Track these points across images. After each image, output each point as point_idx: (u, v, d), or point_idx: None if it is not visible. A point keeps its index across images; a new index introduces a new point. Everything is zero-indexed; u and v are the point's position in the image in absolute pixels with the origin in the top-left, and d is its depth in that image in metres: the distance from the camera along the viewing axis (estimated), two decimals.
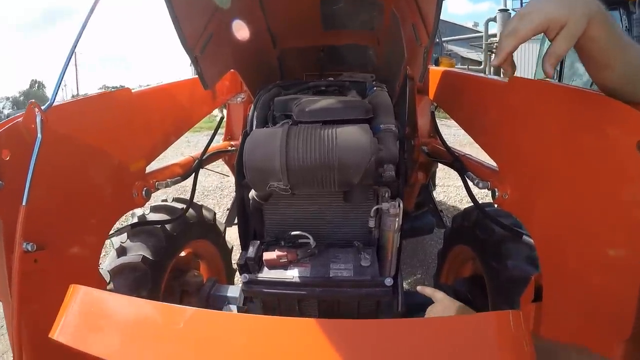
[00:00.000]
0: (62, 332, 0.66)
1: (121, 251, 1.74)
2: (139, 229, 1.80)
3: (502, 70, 0.83)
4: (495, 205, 2.07)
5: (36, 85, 59.08)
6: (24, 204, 0.99)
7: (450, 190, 5.80)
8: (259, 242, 1.39)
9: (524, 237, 1.25)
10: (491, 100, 1.39)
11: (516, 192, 1.21)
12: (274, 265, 1.32)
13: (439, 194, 5.43)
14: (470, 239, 1.85)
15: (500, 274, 1.55)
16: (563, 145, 1.00)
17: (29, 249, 1.01)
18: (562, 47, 0.69)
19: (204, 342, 0.55)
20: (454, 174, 6.80)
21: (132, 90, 1.52)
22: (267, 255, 1.32)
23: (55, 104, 1.15)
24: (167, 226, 1.85)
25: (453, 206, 5.23)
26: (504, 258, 1.56)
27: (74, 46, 1.18)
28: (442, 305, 1.01)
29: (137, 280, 1.67)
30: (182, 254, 2.06)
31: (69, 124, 1.23)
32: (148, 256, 1.71)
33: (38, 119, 1.06)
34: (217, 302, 1.84)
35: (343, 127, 1.25)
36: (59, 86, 1.16)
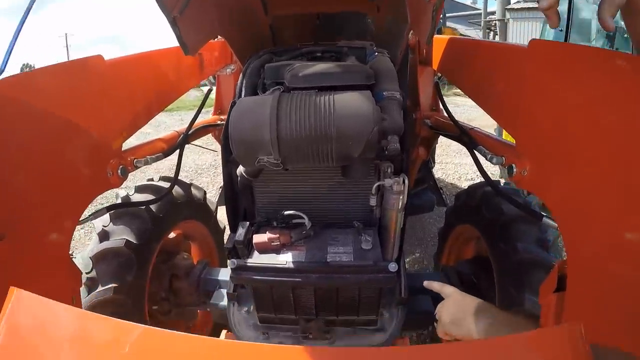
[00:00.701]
0: None
1: (103, 235, 1.63)
2: (122, 211, 1.68)
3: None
4: (502, 182, 1.97)
5: (27, 68, 58.14)
6: None
7: (448, 167, 5.71)
8: (248, 223, 1.28)
9: (545, 219, 1.13)
10: (508, 67, 1.27)
11: (537, 168, 1.09)
12: (265, 249, 1.21)
13: (436, 172, 5.33)
14: (475, 218, 1.77)
15: (509, 256, 1.47)
16: (594, 116, 0.88)
17: None
18: None
19: None
20: (452, 151, 6.73)
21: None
22: (258, 238, 1.21)
23: None
24: (153, 207, 1.74)
25: (452, 184, 5.14)
26: (513, 240, 1.48)
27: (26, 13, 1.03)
28: (454, 301, 0.89)
29: (122, 266, 1.57)
30: (171, 235, 1.96)
31: (29, 95, 1.08)
32: (132, 240, 1.60)
33: None
34: (208, 286, 1.76)
35: (342, 93, 1.11)
36: (10, 53, 1.02)
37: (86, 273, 1.53)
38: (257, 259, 1.18)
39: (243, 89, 1.35)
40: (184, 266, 1.86)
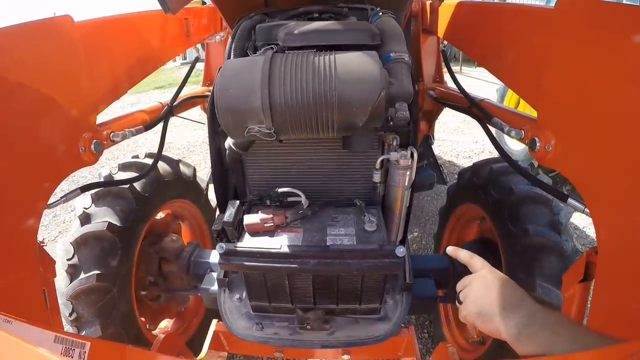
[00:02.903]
0: None
1: (84, 219, 1.53)
2: (105, 191, 1.58)
3: None
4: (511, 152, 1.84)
5: None
6: None
7: (445, 144, 5.58)
8: (238, 202, 1.18)
9: (570, 201, 1.02)
10: (531, 32, 1.17)
11: (563, 143, 1.00)
12: (257, 231, 1.12)
13: (433, 149, 5.20)
14: (480, 198, 1.69)
15: (519, 239, 1.40)
16: (631, 87, 0.78)
17: None
18: None
19: None
20: (449, 128, 6.54)
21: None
22: (249, 219, 1.12)
23: None
24: (138, 186, 1.63)
25: (449, 161, 5.02)
26: (523, 221, 1.41)
27: None
28: (484, 282, 0.75)
29: (105, 251, 1.47)
30: (159, 216, 1.88)
31: None
32: (115, 222, 1.50)
33: None
34: (198, 269, 1.66)
35: (344, 53, 0.98)
36: None
37: (67, 260, 1.44)
38: (248, 243, 1.09)
39: (232, 52, 1.22)
40: (173, 248, 1.77)
